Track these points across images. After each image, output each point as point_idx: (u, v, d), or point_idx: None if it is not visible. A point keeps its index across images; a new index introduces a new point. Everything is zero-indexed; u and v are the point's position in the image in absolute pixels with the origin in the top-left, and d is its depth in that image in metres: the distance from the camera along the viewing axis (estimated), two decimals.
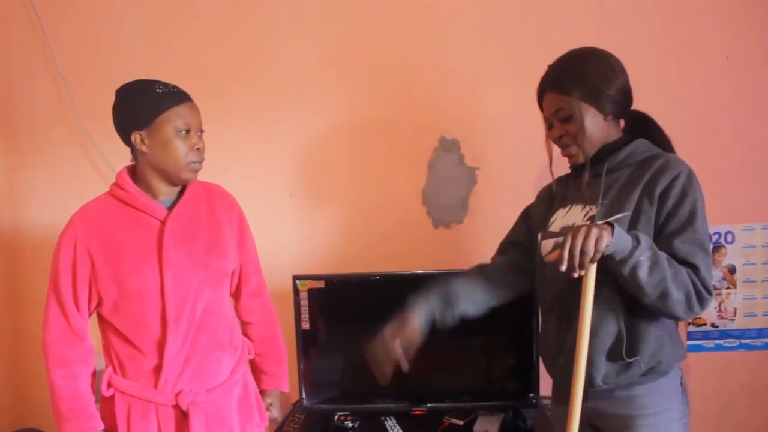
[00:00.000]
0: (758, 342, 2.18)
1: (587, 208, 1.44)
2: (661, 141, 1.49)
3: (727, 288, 2.16)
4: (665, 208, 1.35)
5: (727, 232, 2.14)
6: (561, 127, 1.42)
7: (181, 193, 1.55)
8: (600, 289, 1.35)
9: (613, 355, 1.38)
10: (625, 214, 1.36)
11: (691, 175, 1.38)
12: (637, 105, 2.08)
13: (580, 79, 1.38)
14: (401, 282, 2.05)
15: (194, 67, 2.25)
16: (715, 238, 2.14)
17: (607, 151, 1.43)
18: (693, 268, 1.32)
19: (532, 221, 1.63)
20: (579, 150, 1.42)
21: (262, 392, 1.72)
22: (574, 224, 1.42)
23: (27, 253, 2.39)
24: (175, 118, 1.44)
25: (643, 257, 1.27)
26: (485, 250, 2.17)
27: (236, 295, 1.69)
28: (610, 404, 1.43)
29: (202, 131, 1.52)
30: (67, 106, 2.31)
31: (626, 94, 1.44)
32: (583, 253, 1.20)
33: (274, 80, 2.25)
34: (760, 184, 2.12)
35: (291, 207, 2.29)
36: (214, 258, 1.54)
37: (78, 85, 2.30)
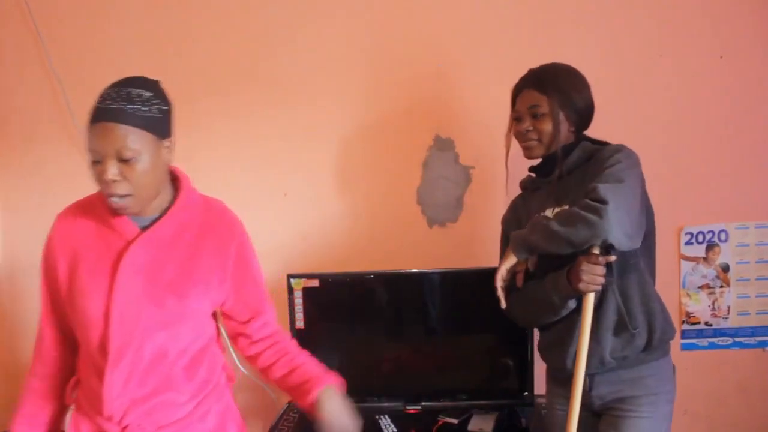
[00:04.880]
0: (752, 340, 2.18)
1: (554, 210, 1.54)
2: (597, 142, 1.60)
3: (721, 286, 2.17)
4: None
5: (721, 231, 2.14)
6: (532, 122, 1.55)
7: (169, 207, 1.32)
8: None
9: (617, 330, 1.49)
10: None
11: (622, 147, 1.49)
12: (632, 103, 2.11)
13: (557, 84, 1.54)
14: (396, 281, 2.06)
15: (191, 65, 2.25)
16: (708, 236, 2.15)
17: (561, 154, 1.54)
18: (593, 192, 1.38)
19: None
20: (539, 145, 1.56)
21: (316, 405, 1.38)
22: None
23: (21, 252, 2.39)
24: (88, 141, 1.19)
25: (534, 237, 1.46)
26: (480, 249, 2.18)
27: (244, 334, 1.45)
28: (614, 388, 1.52)
29: (126, 159, 1.18)
30: (61, 105, 2.31)
31: (589, 110, 1.59)
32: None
33: (269, 80, 2.24)
34: (753, 183, 2.12)
35: (286, 206, 2.29)
36: (177, 296, 1.29)
37: (72, 83, 2.29)
